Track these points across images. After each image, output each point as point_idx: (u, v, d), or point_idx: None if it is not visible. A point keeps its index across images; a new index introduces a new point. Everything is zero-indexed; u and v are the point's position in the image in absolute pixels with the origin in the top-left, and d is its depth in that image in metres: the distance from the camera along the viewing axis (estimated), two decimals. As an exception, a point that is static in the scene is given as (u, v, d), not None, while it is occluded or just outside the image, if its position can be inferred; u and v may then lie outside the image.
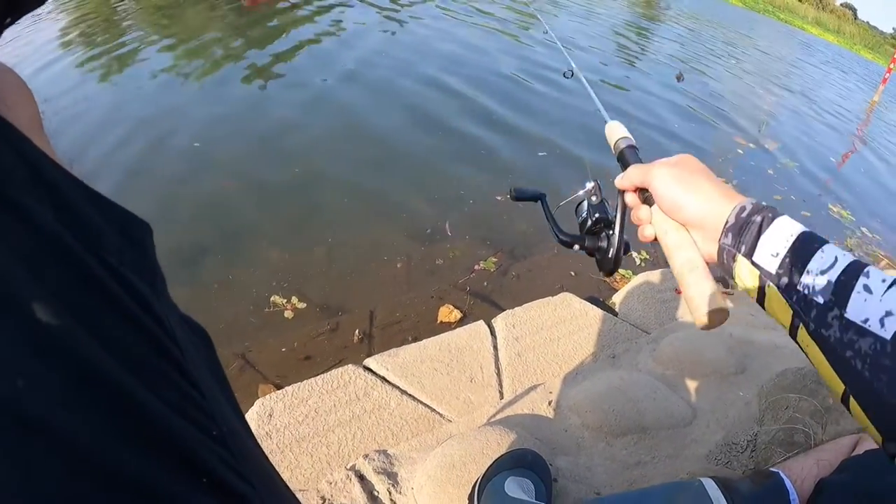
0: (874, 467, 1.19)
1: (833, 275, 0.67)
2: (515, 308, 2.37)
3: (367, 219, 3.69)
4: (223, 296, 2.87)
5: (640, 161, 0.99)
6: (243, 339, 2.62)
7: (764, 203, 0.79)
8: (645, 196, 0.92)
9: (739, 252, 0.76)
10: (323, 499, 1.51)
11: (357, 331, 2.70)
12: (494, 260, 3.45)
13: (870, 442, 1.42)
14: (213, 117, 4.71)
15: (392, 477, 1.58)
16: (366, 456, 1.63)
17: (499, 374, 2.04)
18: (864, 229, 5.49)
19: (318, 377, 1.89)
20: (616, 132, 1.09)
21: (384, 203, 3.89)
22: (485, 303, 3.09)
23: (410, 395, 1.90)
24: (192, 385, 0.35)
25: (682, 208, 0.83)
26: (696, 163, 0.87)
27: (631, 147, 1.05)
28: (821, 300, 0.67)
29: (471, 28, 8.80)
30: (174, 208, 3.48)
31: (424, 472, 1.56)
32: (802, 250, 0.71)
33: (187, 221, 3.37)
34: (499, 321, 2.26)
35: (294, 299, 2.88)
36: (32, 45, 5.93)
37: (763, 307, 0.76)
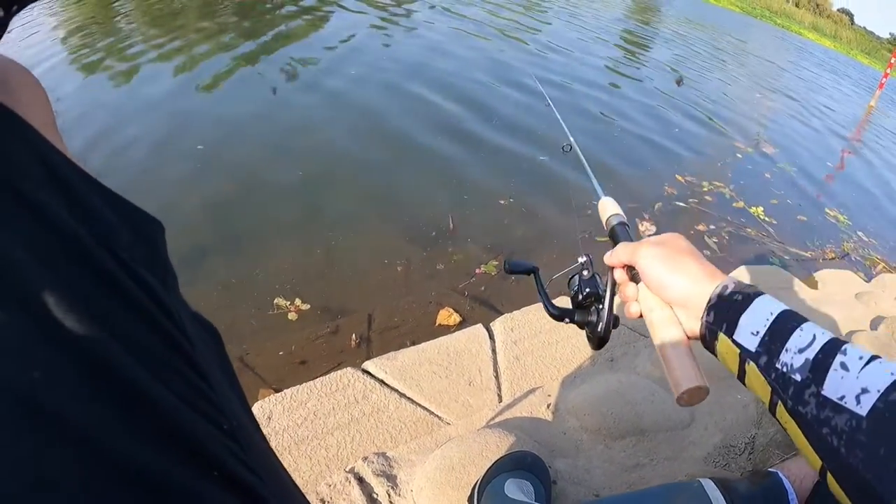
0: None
1: (811, 353, 0.69)
2: (514, 311, 2.37)
3: (369, 222, 3.70)
4: (224, 298, 2.87)
5: (629, 238, 1.03)
6: (242, 341, 2.62)
7: (746, 282, 0.82)
8: (632, 273, 0.95)
9: (721, 330, 0.78)
10: (322, 501, 1.51)
11: (354, 335, 2.70)
12: (495, 263, 3.45)
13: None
14: (217, 120, 4.73)
15: (391, 479, 1.58)
16: (365, 458, 1.63)
17: (497, 378, 2.04)
18: (860, 233, 5.51)
19: (317, 380, 1.89)
20: (608, 209, 1.13)
21: (386, 206, 3.90)
22: (483, 306, 3.09)
23: (409, 398, 1.90)
24: (202, 379, 0.35)
25: (666, 287, 0.86)
26: (682, 242, 0.91)
27: (622, 224, 1.08)
28: (798, 378, 0.69)
29: (476, 38, 8.79)
30: (176, 210, 3.48)
31: (423, 474, 1.56)
32: (781, 329, 0.73)
33: (188, 223, 3.37)
34: (497, 324, 2.26)
35: (298, 301, 2.88)
36: (33, 45, 5.93)
37: (744, 383, 0.77)
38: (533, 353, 2.13)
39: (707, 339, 0.81)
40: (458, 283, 3.23)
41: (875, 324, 2.81)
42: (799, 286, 3.41)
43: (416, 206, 3.96)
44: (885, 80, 15.42)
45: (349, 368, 1.96)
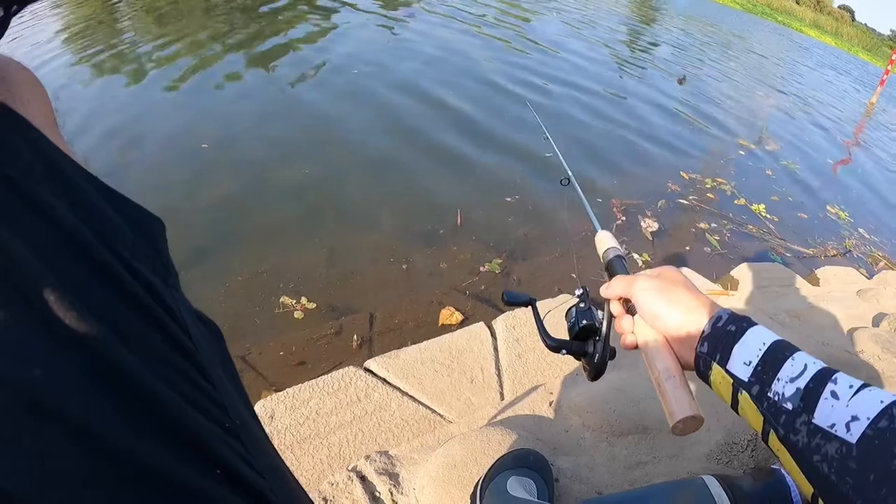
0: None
1: (802, 382, 0.70)
2: (515, 310, 2.37)
3: (374, 220, 3.70)
4: (227, 296, 2.88)
5: (626, 271, 1.05)
6: (245, 340, 2.62)
7: (739, 313, 0.82)
8: (628, 306, 0.97)
9: (714, 360, 0.80)
10: (325, 500, 1.51)
11: (356, 336, 2.70)
12: (499, 261, 3.46)
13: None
14: (221, 119, 4.74)
15: (393, 478, 1.58)
16: (367, 457, 1.63)
17: (499, 376, 2.04)
18: (861, 230, 5.51)
19: (319, 379, 1.89)
20: (605, 242, 1.14)
21: (391, 205, 3.91)
22: (486, 305, 3.09)
23: (411, 396, 1.90)
24: (204, 377, 0.35)
25: (661, 319, 0.88)
26: (676, 274, 0.92)
27: (618, 257, 1.09)
28: (790, 406, 0.70)
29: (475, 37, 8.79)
30: (181, 208, 3.49)
31: (426, 472, 1.56)
32: (773, 359, 0.74)
33: (192, 222, 3.39)
34: (499, 323, 2.26)
35: (304, 300, 2.88)
36: (34, 45, 5.94)
37: (737, 412, 0.79)
38: (535, 351, 2.13)
39: (701, 369, 0.83)
40: (461, 282, 3.24)
41: (877, 321, 2.80)
42: (801, 283, 3.41)
43: (421, 203, 3.97)
44: (885, 76, 15.42)
45: (351, 367, 1.96)
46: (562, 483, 1.54)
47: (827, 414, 0.66)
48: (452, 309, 2.95)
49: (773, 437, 0.72)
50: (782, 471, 1.24)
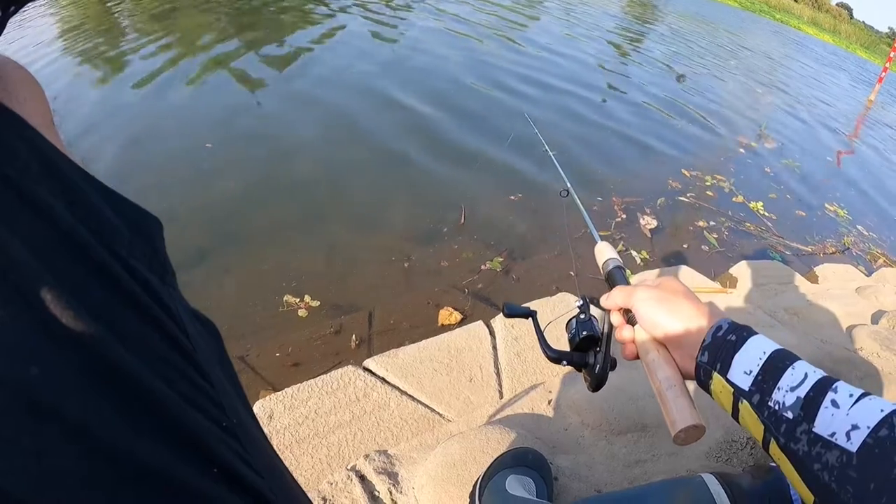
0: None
1: (802, 391, 0.70)
2: (515, 309, 2.37)
3: (376, 219, 3.71)
4: (228, 296, 2.88)
5: (626, 281, 1.05)
6: (245, 340, 2.62)
7: (740, 322, 0.83)
8: (629, 316, 0.97)
9: (715, 370, 0.80)
10: (324, 499, 1.51)
11: (354, 335, 2.70)
12: (500, 260, 3.46)
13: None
14: (226, 119, 4.73)
15: (393, 477, 1.58)
16: (366, 456, 1.63)
17: (498, 374, 2.04)
18: (860, 227, 5.51)
19: (318, 378, 1.89)
20: (605, 253, 1.14)
21: (393, 204, 3.92)
22: (484, 304, 3.09)
23: (410, 395, 1.90)
24: (201, 376, 0.35)
25: (662, 328, 0.88)
26: (676, 283, 0.92)
27: (618, 268, 1.10)
28: (790, 415, 0.70)
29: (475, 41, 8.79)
30: (182, 209, 3.49)
31: (425, 471, 1.56)
32: (774, 368, 0.74)
33: (193, 222, 3.38)
34: (498, 321, 2.26)
35: (307, 298, 2.88)
36: (33, 44, 5.94)
37: (737, 421, 0.79)
38: (534, 350, 2.13)
39: (702, 378, 0.83)
40: (461, 280, 3.24)
41: (876, 318, 2.81)
42: (800, 281, 3.42)
43: (425, 201, 3.98)
44: (884, 74, 15.42)
45: (350, 366, 1.96)
46: (561, 481, 1.55)
47: (827, 423, 0.66)
48: (451, 309, 2.94)
49: (773, 446, 0.72)
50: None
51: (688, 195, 5.01)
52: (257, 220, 3.51)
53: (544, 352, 1.06)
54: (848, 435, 0.64)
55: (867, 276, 4.07)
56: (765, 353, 0.76)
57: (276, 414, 1.76)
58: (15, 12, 0.38)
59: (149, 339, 0.32)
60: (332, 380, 1.89)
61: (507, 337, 2.18)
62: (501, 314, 2.31)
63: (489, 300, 3.13)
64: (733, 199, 5.26)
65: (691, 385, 0.87)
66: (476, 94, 6.11)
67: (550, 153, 1.63)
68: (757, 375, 0.75)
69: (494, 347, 2.15)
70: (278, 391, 1.85)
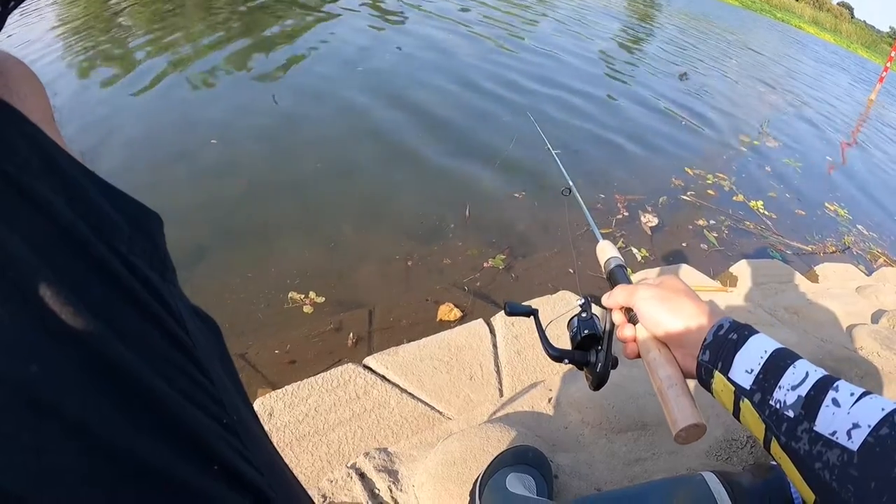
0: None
1: (803, 390, 0.71)
2: (515, 307, 2.36)
3: (378, 218, 3.71)
4: (228, 294, 2.88)
5: (627, 280, 1.05)
6: (246, 337, 2.62)
7: (744, 322, 0.83)
8: (630, 315, 0.97)
9: (716, 368, 0.80)
10: (324, 497, 1.51)
11: (351, 334, 2.70)
12: (503, 257, 3.46)
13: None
14: (229, 118, 4.73)
15: (393, 475, 1.58)
16: (366, 454, 1.63)
17: (498, 372, 2.04)
18: (860, 227, 5.51)
19: (318, 376, 1.89)
20: (606, 252, 1.14)
21: (396, 202, 3.92)
22: (484, 302, 3.09)
23: (410, 393, 1.90)
24: (202, 373, 0.35)
25: (663, 327, 0.88)
26: (678, 282, 0.93)
27: (620, 266, 1.10)
28: (791, 414, 0.70)
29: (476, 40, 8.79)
30: (186, 206, 3.48)
31: (425, 469, 1.56)
32: (775, 367, 0.74)
33: (196, 219, 3.38)
34: (498, 319, 2.26)
35: (312, 294, 2.89)
36: (34, 41, 5.93)
37: (738, 420, 0.79)
38: (534, 348, 2.13)
39: (703, 377, 0.83)
40: (463, 278, 3.24)
41: (876, 317, 2.81)
42: (800, 280, 3.41)
43: (429, 200, 3.99)
44: (885, 73, 15.42)
45: (350, 364, 1.96)
46: (561, 479, 1.55)
47: (828, 421, 0.67)
48: (451, 305, 2.95)
49: (774, 445, 0.72)
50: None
51: (689, 193, 5.01)
52: (262, 217, 3.51)
53: (546, 350, 1.06)
54: (849, 434, 0.64)
55: (867, 275, 4.07)
56: (766, 351, 0.76)
57: (277, 411, 1.76)
58: (15, 7, 0.38)
59: (148, 336, 0.32)
60: (333, 377, 1.89)
61: (507, 335, 2.18)
62: (502, 312, 2.31)
63: (490, 298, 3.13)
64: (733, 197, 5.26)
65: (692, 384, 0.87)
66: (480, 94, 6.10)
67: (553, 152, 1.63)
68: (758, 374, 0.75)
69: (495, 345, 2.15)
70: (278, 389, 1.85)
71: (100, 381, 0.28)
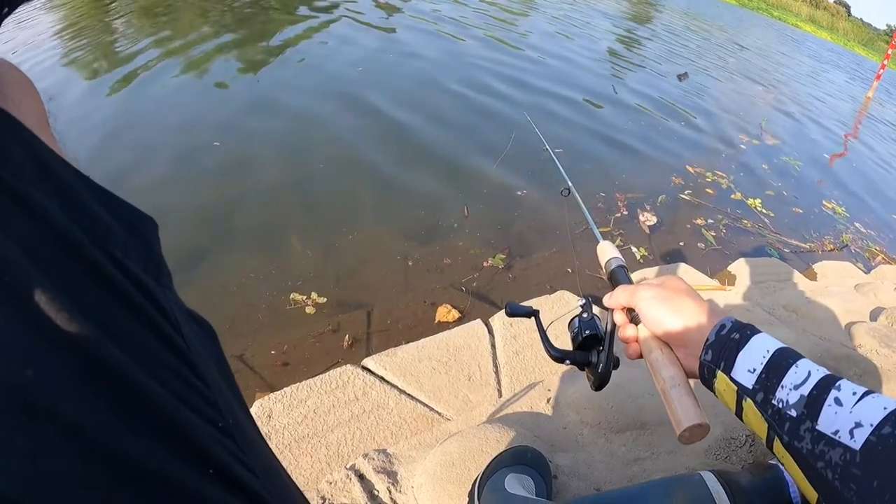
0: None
1: (806, 389, 0.71)
2: (513, 307, 2.37)
3: (379, 218, 3.72)
4: (228, 295, 2.88)
5: (629, 281, 1.06)
6: (244, 339, 2.62)
7: (743, 321, 0.83)
8: (632, 315, 0.97)
9: (719, 368, 0.80)
10: (323, 499, 1.51)
11: (347, 335, 2.70)
12: (503, 257, 3.47)
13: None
14: (231, 118, 4.73)
15: (392, 476, 1.58)
16: (365, 455, 1.63)
17: (497, 373, 2.04)
18: (858, 224, 5.52)
19: (317, 377, 1.89)
20: (607, 252, 1.15)
21: (397, 202, 3.92)
22: (483, 302, 3.09)
23: (409, 394, 1.90)
24: (197, 377, 0.35)
25: (665, 327, 0.89)
26: (679, 283, 0.93)
27: (621, 267, 1.11)
28: (794, 413, 0.70)
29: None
30: (185, 206, 3.48)
31: (424, 470, 1.56)
32: (777, 366, 0.75)
33: (195, 221, 3.38)
34: (496, 320, 2.26)
35: (314, 295, 2.89)
36: (31, 43, 5.93)
37: (741, 420, 0.79)
38: (532, 348, 2.14)
39: (705, 376, 0.83)
40: (463, 278, 3.24)
41: (875, 315, 2.81)
42: (798, 278, 3.42)
43: (429, 200, 3.99)
44: (882, 71, 15.44)
45: (349, 365, 1.96)
46: (560, 480, 1.55)
47: (831, 421, 0.67)
48: (449, 306, 2.95)
49: (777, 444, 0.72)
50: (781, 467, 1.24)
51: (687, 192, 5.01)
52: (263, 218, 3.52)
53: (547, 351, 1.06)
54: (851, 433, 0.64)
55: (866, 273, 4.07)
56: (768, 351, 0.77)
57: (276, 413, 1.76)
58: (8, 13, 0.38)
59: (143, 340, 0.32)
60: (331, 379, 1.89)
61: (505, 335, 2.18)
62: (500, 312, 2.31)
63: (488, 298, 3.13)
64: (731, 196, 5.26)
65: (694, 383, 0.87)
66: (479, 94, 6.10)
67: (552, 152, 1.63)
68: (761, 374, 0.75)
69: (493, 346, 2.15)
70: (277, 391, 1.85)
71: (95, 385, 0.28)
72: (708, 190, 5.21)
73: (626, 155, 5.51)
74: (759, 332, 0.80)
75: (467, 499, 1.44)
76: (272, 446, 1.66)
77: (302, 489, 1.48)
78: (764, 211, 5.13)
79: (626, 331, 0.97)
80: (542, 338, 1.09)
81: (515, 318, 2.24)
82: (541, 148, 1.76)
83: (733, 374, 0.78)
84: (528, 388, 1.95)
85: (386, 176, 4.19)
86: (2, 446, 0.25)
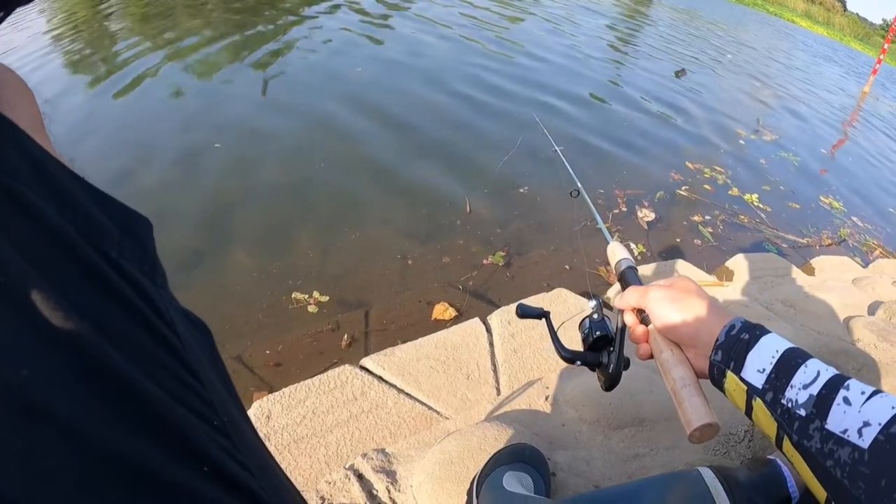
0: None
1: (815, 388, 0.71)
2: (511, 304, 2.37)
3: (381, 217, 3.72)
4: (233, 295, 2.88)
5: (638, 282, 1.06)
6: (244, 339, 2.62)
7: (752, 321, 0.83)
8: (642, 316, 0.97)
9: (728, 368, 0.81)
10: (322, 499, 1.51)
11: (346, 335, 2.70)
12: (502, 254, 3.47)
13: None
14: (233, 118, 4.74)
15: (391, 475, 1.58)
16: (364, 455, 1.63)
17: (495, 371, 2.04)
18: (855, 219, 5.53)
19: (315, 378, 1.89)
20: (617, 253, 1.15)
21: (398, 201, 3.93)
22: (480, 300, 3.09)
23: (407, 393, 1.90)
24: (192, 376, 0.35)
25: (675, 328, 0.89)
26: (689, 283, 0.93)
27: (631, 268, 1.10)
28: (803, 413, 0.71)
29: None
30: (189, 209, 3.49)
31: (423, 469, 1.56)
32: (787, 366, 0.75)
33: (196, 221, 3.39)
34: (494, 318, 2.26)
35: (316, 293, 2.90)
36: (26, 46, 5.93)
37: (751, 419, 0.80)
38: (531, 346, 2.13)
39: (715, 376, 0.84)
40: (463, 275, 3.25)
41: (873, 309, 2.81)
42: (796, 273, 3.42)
43: (430, 198, 4.00)
44: (878, 66, 15.46)
45: (347, 365, 1.96)
46: (559, 477, 1.55)
47: (839, 420, 0.67)
48: (446, 304, 2.95)
49: (786, 443, 0.73)
50: (779, 461, 1.25)
51: (685, 188, 5.02)
52: (265, 219, 3.53)
53: (558, 352, 1.07)
54: (860, 432, 0.65)
55: (863, 267, 4.08)
56: (777, 351, 0.77)
57: (274, 414, 1.76)
58: (4, 18, 0.38)
59: (138, 339, 0.32)
60: (330, 379, 1.89)
61: (503, 333, 2.18)
62: (498, 310, 2.31)
63: (486, 297, 3.14)
64: (728, 191, 5.27)
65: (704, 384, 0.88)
66: (480, 95, 6.09)
67: (560, 154, 1.64)
68: (770, 373, 0.76)
69: (491, 344, 2.15)
70: (275, 391, 1.85)
71: (90, 384, 0.28)
72: (706, 186, 5.21)
73: (625, 151, 5.51)
74: (769, 332, 0.81)
75: (466, 497, 1.44)
76: (271, 447, 1.67)
77: (301, 489, 1.48)
78: (761, 206, 5.13)
79: (637, 331, 0.98)
80: (552, 339, 1.09)
81: (513, 317, 2.26)
82: (544, 146, 1.77)
83: (743, 374, 0.78)
84: (526, 385, 1.95)
85: (387, 175, 4.19)
86: (0, 446, 0.25)
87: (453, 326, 2.22)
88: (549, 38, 9.52)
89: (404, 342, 2.13)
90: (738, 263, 3.42)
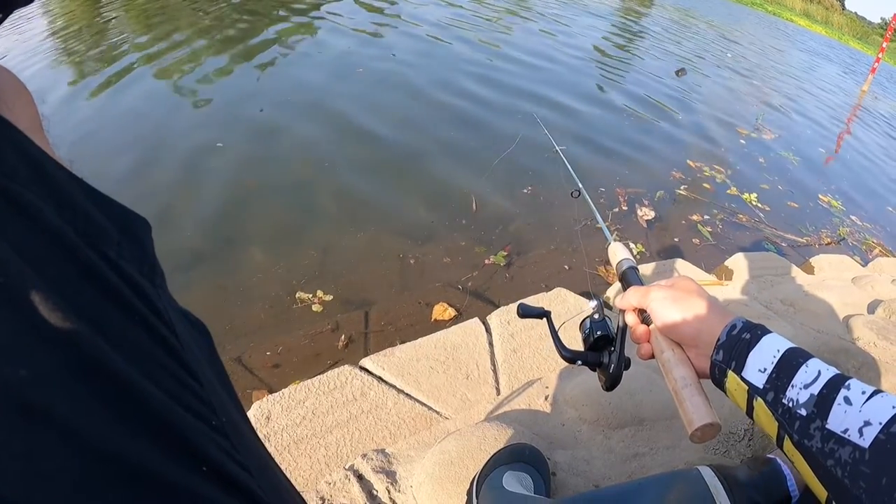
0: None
1: (816, 388, 0.72)
2: (510, 304, 2.37)
3: (382, 217, 3.72)
4: (234, 296, 2.87)
5: (640, 282, 1.06)
6: (245, 340, 2.62)
7: (753, 321, 0.84)
8: (644, 316, 0.98)
9: (730, 368, 0.81)
10: (322, 499, 1.51)
11: (343, 336, 2.70)
12: (504, 254, 3.47)
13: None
14: (234, 119, 4.74)
15: (391, 476, 1.58)
16: (364, 455, 1.63)
17: (495, 371, 2.04)
18: (854, 217, 5.53)
19: (315, 378, 1.89)
20: (619, 253, 1.15)
21: (401, 201, 3.94)
22: (479, 300, 3.09)
23: (407, 393, 1.90)
24: (191, 376, 0.35)
25: (676, 328, 0.89)
26: (690, 283, 0.93)
27: (632, 268, 1.11)
28: (804, 412, 0.71)
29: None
30: (186, 208, 3.49)
31: (423, 469, 1.56)
32: (788, 366, 0.75)
33: (196, 222, 3.39)
34: (494, 318, 2.26)
35: (320, 293, 2.91)
36: (26, 46, 5.92)
37: (752, 418, 0.80)
38: (530, 346, 2.13)
39: (716, 376, 0.84)
40: (464, 275, 3.25)
41: (872, 307, 2.81)
42: (795, 272, 3.42)
43: (436, 199, 4.00)
44: (876, 64, 15.47)
45: (347, 366, 1.95)
46: (559, 476, 1.55)
47: (840, 419, 0.67)
48: (446, 305, 2.95)
49: (787, 443, 0.73)
50: (778, 460, 1.25)
51: (684, 187, 5.02)
52: (265, 219, 3.53)
53: (559, 351, 1.07)
54: (860, 431, 0.65)
55: (863, 266, 4.08)
56: (779, 350, 0.77)
57: (274, 415, 1.76)
58: (3, 20, 0.38)
59: (137, 340, 0.32)
60: (329, 380, 1.89)
61: (503, 333, 2.18)
62: (498, 310, 2.31)
63: (485, 296, 3.13)
64: (727, 190, 5.27)
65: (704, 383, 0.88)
66: (481, 95, 6.09)
67: (560, 152, 1.63)
68: (771, 373, 0.76)
69: (491, 344, 2.15)
70: (275, 392, 1.85)
71: (89, 385, 0.28)
72: (705, 185, 5.22)
73: (626, 150, 5.52)
74: (770, 332, 0.81)
75: (466, 497, 1.44)
76: (271, 448, 1.67)
77: (301, 490, 1.47)
78: (759, 205, 5.13)
79: (638, 331, 0.98)
80: (553, 339, 1.09)
81: (512, 316, 2.26)
82: (546, 146, 1.76)
83: (744, 373, 0.78)
84: (526, 385, 1.95)
85: (388, 175, 4.19)
86: (0, 446, 0.25)
87: (453, 326, 2.22)
88: (550, 39, 9.52)
89: (404, 342, 2.13)
90: (738, 262, 3.41)
